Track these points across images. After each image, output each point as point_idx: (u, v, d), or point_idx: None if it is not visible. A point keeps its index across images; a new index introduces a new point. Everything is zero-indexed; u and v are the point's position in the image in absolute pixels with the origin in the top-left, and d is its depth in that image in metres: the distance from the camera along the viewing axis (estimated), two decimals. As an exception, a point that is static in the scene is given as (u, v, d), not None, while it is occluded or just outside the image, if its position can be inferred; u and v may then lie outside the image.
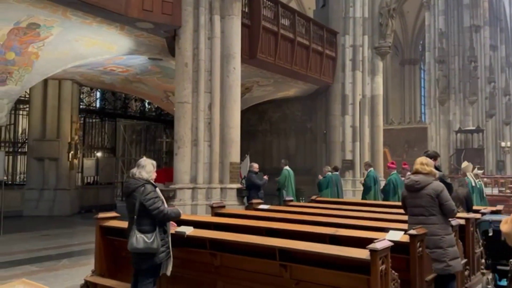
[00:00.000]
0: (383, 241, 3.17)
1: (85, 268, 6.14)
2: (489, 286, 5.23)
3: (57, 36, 8.52)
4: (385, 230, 4.32)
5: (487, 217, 5.50)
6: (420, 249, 3.75)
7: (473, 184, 7.88)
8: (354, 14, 14.16)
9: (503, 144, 24.56)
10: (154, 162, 4.04)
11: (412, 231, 3.69)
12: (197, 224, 5.13)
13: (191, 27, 8.95)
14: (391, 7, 14.05)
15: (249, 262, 3.91)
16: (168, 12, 8.31)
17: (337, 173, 11.48)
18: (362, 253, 3.16)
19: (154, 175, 3.94)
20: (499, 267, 5.41)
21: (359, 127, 13.98)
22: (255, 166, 10.23)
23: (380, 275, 3.07)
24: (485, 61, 25.12)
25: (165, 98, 13.71)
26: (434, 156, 4.56)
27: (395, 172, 9.35)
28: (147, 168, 3.88)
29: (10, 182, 13.14)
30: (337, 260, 3.39)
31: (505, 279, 5.22)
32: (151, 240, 3.72)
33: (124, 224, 5.00)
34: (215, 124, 9.03)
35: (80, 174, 14.20)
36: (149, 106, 17.69)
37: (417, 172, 4.04)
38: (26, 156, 13.51)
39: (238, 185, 9.08)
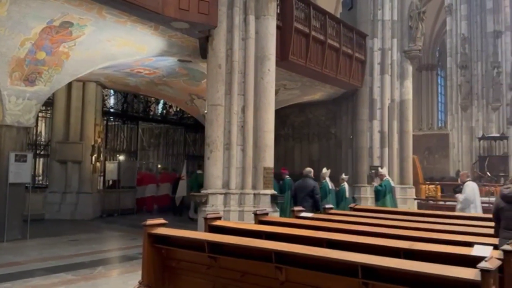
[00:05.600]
0: (492, 259, 2.82)
1: (124, 277, 5.90)
2: None
3: (89, 35, 8.32)
4: (464, 243, 3.98)
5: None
6: (514, 266, 3.40)
7: (330, 187, 10.31)
8: (382, 16, 13.83)
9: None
10: None
11: (507, 247, 3.33)
12: (247, 233, 4.83)
13: (224, 27, 8.67)
14: (421, 10, 13.72)
15: (322, 278, 3.57)
16: (204, 12, 8.04)
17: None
18: (467, 273, 2.81)
19: None
20: None
21: (388, 133, 13.60)
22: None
23: (492, 298, 2.72)
24: (506, 67, 24.62)
25: (190, 101, 13.46)
26: None
27: (288, 177, 10.59)
28: None
29: (31, 185, 12.94)
30: (427, 278, 3.06)
31: None
32: None
33: (173, 232, 4.73)
34: (249, 127, 8.72)
35: (101, 178, 13.98)
36: (170, 110, 17.47)
37: (517, 182, 3.69)
38: (46, 159, 13.34)
39: (272, 191, 8.75)
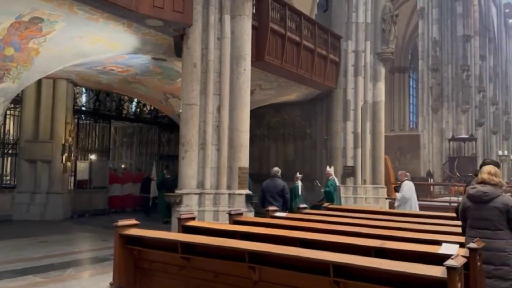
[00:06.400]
0: (458, 257, 2.91)
1: (95, 279, 5.79)
2: None
3: (60, 32, 8.10)
4: (433, 242, 4.08)
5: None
6: (479, 264, 3.51)
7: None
8: (357, 19, 14.03)
9: (500, 152, 24.81)
10: None
11: (472, 245, 3.44)
12: (221, 233, 4.81)
13: (200, 26, 8.62)
14: (394, 13, 13.99)
15: (294, 277, 3.60)
16: (179, 10, 7.97)
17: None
18: (434, 271, 2.89)
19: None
20: None
21: (361, 133, 13.81)
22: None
23: (457, 295, 2.80)
24: (475, 71, 25.40)
25: (164, 100, 13.30)
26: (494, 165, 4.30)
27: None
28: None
29: (-1, 185, 12.57)
30: (396, 276, 3.12)
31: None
32: None
33: (145, 233, 4.67)
34: (224, 127, 8.70)
35: (72, 177, 13.65)
36: (144, 108, 17.23)
37: (483, 182, 3.79)
38: (15, 158, 12.95)
39: (247, 191, 8.76)
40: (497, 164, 4.20)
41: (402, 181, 9.39)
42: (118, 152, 19.04)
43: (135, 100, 16.78)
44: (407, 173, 9.97)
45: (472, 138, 22.21)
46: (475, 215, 3.86)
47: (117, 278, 4.51)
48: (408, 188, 9.24)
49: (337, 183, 10.98)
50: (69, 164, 12.92)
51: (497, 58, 32.07)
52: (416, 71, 31.68)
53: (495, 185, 3.82)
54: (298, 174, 11.06)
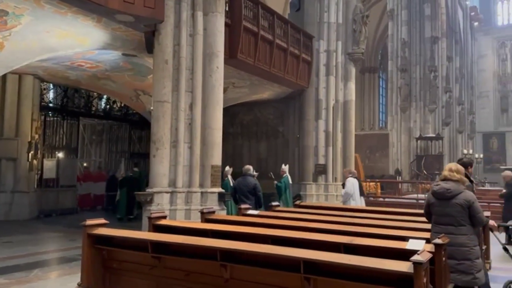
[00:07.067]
0: (424, 252, 3.00)
1: (62, 280, 5.66)
2: None
3: (26, 26, 7.82)
4: (400, 238, 4.19)
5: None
6: (444, 259, 3.63)
7: (231, 184, 9.64)
8: (328, 19, 14.18)
9: (465, 151, 25.60)
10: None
11: (437, 240, 3.55)
12: (192, 232, 4.79)
13: (172, 22, 8.49)
14: (365, 14, 14.23)
15: (265, 274, 3.62)
16: (150, 5, 7.83)
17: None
18: (401, 266, 2.97)
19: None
20: None
21: (332, 132, 14.00)
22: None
23: (423, 289, 2.88)
24: (442, 71, 26.15)
25: (135, 97, 13.08)
26: (469, 164, 4.44)
27: None
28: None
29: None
30: (365, 272, 3.19)
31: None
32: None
33: (114, 232, 4.59)
34: (196, 125, 8.61)
35: (38, 176, 13.24)
36: (114, 105, 16.88)
37: (445, 179, 3.90)
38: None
39: (220, 189, 8.73)
40: (470, 163, 4.35)
41: (346, 178, 9.81)
42: (87, 150, 18.60)
43: (105, 96, 16.41)
44: (353, 170, 10.47)
45: (438, 137, 22.89)
46: (439, 211, 3.98)
47: (85, 279, 4.43)
48: (350, 184, 9.71)
49: (290, 181, 11.27)
50: (35, 162, 12.54)
51: (463, 59, 33.13)
52: (385, 71, 32.36)
53: (457, 181, 3.95)
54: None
